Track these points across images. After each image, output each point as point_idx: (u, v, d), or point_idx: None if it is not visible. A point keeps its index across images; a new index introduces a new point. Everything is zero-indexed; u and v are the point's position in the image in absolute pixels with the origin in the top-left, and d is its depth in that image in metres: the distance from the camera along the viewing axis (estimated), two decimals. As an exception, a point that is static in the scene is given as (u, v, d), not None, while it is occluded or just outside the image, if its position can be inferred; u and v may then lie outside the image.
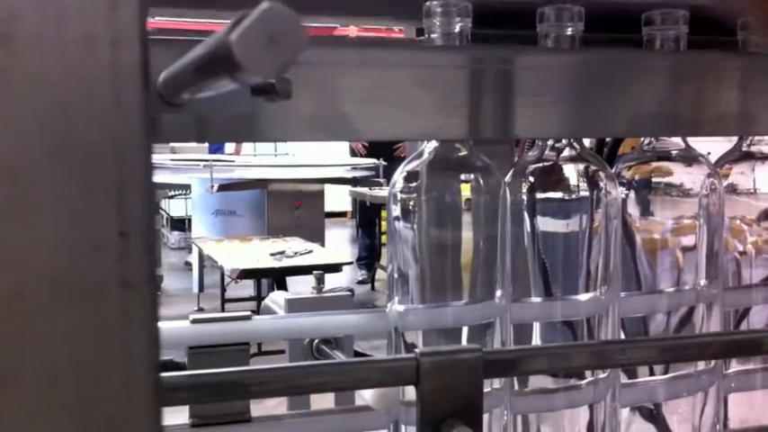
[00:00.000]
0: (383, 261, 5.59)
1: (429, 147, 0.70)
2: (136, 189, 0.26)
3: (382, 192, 5.03)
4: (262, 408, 0.71)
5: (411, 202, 0.71)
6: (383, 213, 5.81)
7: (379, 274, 5.79)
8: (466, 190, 0.71)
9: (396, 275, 0.74)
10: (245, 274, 3.59)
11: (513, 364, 0.66)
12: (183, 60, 0.31)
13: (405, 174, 0.69)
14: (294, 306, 0.90)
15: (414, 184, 0.71)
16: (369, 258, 5.92)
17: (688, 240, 0.77)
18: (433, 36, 0.65)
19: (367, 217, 5.95)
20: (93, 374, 0.26)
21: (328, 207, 5.72)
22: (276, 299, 0.98)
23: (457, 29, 0.66)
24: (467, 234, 0.74)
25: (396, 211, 0.72)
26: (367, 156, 5.57)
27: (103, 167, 0.26)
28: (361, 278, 5.88)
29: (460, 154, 0.72)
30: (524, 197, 0.73)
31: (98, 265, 0.26)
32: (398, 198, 0.71)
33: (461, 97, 0.65)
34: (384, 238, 5.66)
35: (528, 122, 0.68)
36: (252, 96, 0.43)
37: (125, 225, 0.26)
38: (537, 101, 0.67)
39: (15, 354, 0.26)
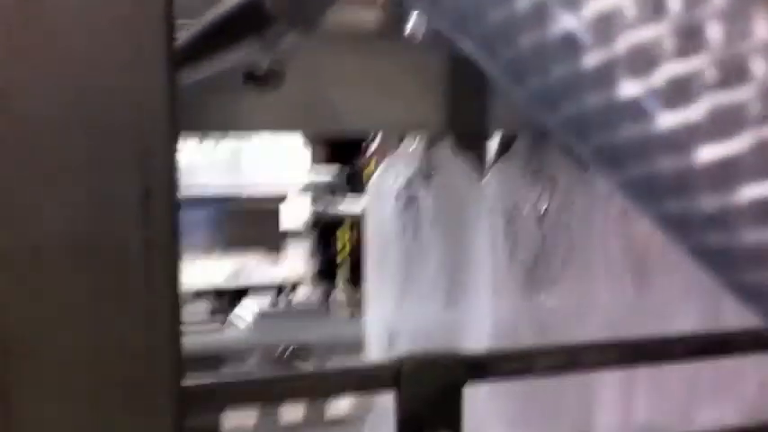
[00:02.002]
0: (339, 277, 5.56)
1: (411, 147, 0.70)
2: (159, 146, 0.24)
3: (343, 206, 4.98)
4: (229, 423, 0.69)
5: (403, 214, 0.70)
6: (339, 229, 5.78)
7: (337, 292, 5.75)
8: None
9: (373, 282, 0.73)
10: (201, 294, 3.53)
11: (493, 366, 0.65)
12: (199, 24, 0.30)
13: (400, 181, 0.69)
14: (265, 317, 0.88)
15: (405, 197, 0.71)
16: (328, 273, 5.88)
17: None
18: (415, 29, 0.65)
19: (325, 232, 5.91)
20: (113, 334, 0.25)
21: (286, 223, 5.67)
22: (242, 314, 0.97)
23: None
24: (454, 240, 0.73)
25: (382, 220, 0.71)
26: (330, 161, 5.50)
27: (126, 122, 0.24)
28: (317, 295, 5.83)
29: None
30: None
31: (121, 223, 0.25)
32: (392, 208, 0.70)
33: (441, 91, 0.65)
34: (340, 254, 5.63)
35: (508, 116, 0.67)
36: (243, 84, 0.41)
37: (148, 183, 0.24)
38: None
39: (35, 312, 0.24)
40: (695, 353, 0.73)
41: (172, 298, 0.26)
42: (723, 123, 0.15)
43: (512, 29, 0.17)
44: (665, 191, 0.16)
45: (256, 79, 0.40)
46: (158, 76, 0.24)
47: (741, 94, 0.15)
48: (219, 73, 0.43)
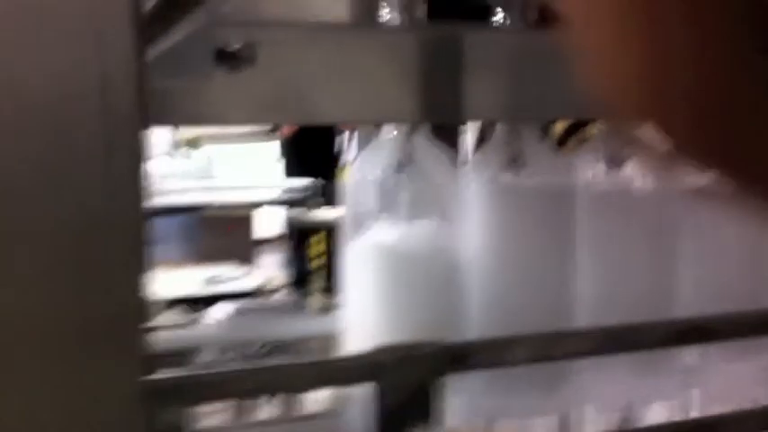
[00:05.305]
0: (315, 284, 5.54)
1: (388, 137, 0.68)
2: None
3: (317, 214, 4.95)
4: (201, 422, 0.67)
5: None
6: (313, 237, 5.75)
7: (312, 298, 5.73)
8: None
9: (351, 273, 0.72)
10: (178, 301, 3.50)
11: (475, 356, 0.64)
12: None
13: (379, 171, 0.68)
14: (240, 313, 0.86)
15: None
16: (302, 282, 5.86)
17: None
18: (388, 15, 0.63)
19: (300, 240, 5.88)
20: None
21: (260, 232, 5.64)
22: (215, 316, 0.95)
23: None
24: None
25: (361, 210, 0.70)
26: (303, 173, 5.48)
27: (90, 107, 0.22)
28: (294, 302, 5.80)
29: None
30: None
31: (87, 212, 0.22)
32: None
33: (416, 80, 0.63)
34: (314, 263, 5.60)
35: (483, 104, 0.66)
36: (215, 64, 0.39)
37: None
38: (492, 82, 0.65)
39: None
40: (675, 339, 0.72)
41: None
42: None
43: None
44: None
45: (228, 58, 0.38)
46: (125, 51, 0.23)
47: None
48: (187, 61, 0.41)
